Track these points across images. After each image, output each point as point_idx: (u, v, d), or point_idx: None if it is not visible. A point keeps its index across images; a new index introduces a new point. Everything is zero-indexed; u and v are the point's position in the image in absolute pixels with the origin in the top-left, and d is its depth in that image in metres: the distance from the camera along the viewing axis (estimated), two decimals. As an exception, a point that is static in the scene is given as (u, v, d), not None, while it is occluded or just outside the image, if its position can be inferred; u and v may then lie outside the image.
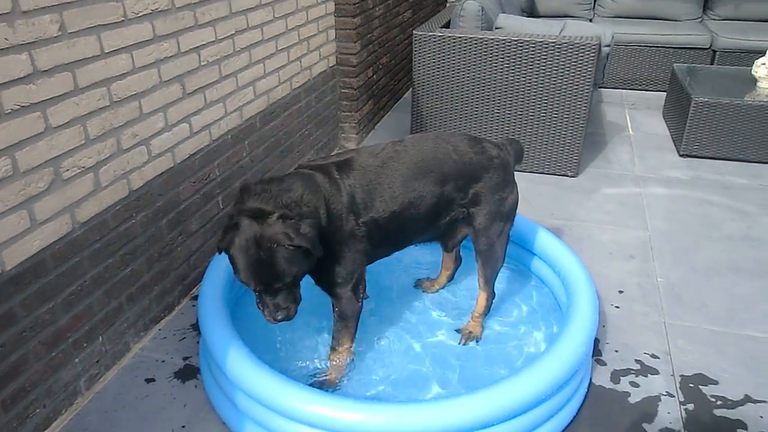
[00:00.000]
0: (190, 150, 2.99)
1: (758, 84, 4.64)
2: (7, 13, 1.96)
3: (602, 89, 6.13)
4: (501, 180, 2.53)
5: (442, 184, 2.42)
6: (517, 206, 2.64)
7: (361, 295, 2.43)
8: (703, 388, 2.44)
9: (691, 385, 2.47)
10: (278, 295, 2.12)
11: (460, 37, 4.18)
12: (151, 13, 2.62)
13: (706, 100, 4.39)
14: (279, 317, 2.14)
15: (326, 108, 4.59)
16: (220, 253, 2.14)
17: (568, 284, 2.64)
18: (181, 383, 2.53)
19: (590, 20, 6.52)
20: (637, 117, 5.49)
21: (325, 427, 2.03)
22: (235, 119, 3.36)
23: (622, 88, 6.18)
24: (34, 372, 2.22)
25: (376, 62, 5.17)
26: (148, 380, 2.55)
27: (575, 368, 2.19)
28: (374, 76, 5.20)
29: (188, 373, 2.59)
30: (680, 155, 4.61)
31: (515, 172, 2.66)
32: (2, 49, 1.96)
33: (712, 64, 5.88)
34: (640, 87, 6.14)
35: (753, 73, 4.66)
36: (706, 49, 5.87)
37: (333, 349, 2.47)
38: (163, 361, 2.66)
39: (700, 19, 6.38)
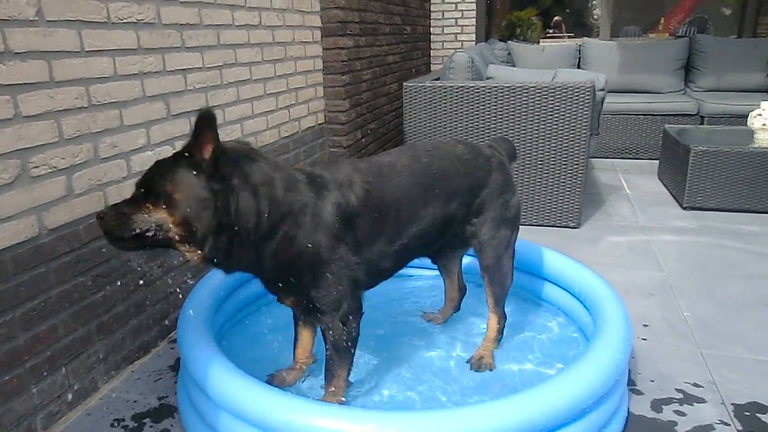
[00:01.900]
0: (174, 175, 2.75)
1: (755, 135, 4.56)
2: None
3: (594, 159, 6.05)
4: (502, 181, 2.31)
5: (448, 202, 2.18)
6: (520, 213, 2.41)
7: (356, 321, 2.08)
8: (762, 417, 2.13)
9: (747, 413, 2.16)
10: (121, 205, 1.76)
11: (451, 87, 4.08)
12: (136, 22, 2.48)
13: (705, 149, 4.27)
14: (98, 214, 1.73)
15: (315, 164, 4.40)
16: None
17: (591, 302, 2.37)
18: (154, 422, 2.17)
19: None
20: (632, 180, 5.38)
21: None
22: (222, 154, 3.14)
23: (614, 157, 6.10)
24: (-19, 396, 1.88)
25: (365, 125, 5.05)
26: (117, 420, 2.19)
27: (614, 376, 1.90)
28: (363, 140, 5.06)
29: (163, 412, 2.24)
30: (683, 208, 4.44)
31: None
32: (-33, 18, 1.76)
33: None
34: (631, 155, 6.07)
35: (749, 125, 4.61)
36: (694, 115, 5.86)
37: (326, 385, 2.13)
38: (135, 401, 2.31)
39: (683, 92, 6.42)
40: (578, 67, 6.81)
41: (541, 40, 8.35)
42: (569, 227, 4.10)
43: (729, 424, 2.10)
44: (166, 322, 2.77)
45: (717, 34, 7.24)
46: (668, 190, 4.92)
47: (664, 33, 8.48)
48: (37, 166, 2.03)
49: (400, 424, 1.69)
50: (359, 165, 2.08)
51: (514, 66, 6.67)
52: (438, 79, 4.48)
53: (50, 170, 2.09)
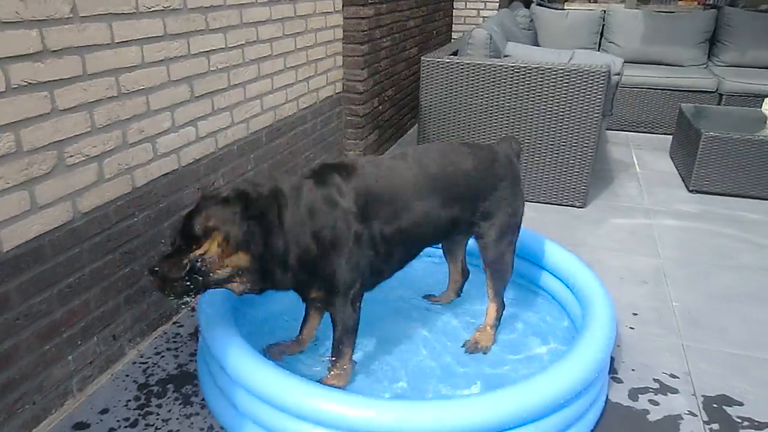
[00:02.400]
0: (196, 155, 2.93)
1: (768, 122, 4.63)
2: (17, -14, 1.92)
3: (608, 131, 6.12)
4: (510, 192, 2.47)
5: (450, 206, 2.35)
6: (523, 214, 2.56)
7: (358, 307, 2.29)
8: (728, 409, 2.32)
9: (714, 405, 2.34)
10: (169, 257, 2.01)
11: (468, 64, 4.17)
12: (163, 9, 2.60)
13: (716, 135, 4.35)
14: (146, 272, 2.08)
15: (332, 133, 4.55)
16: None
17: (581, 294, 2.54)
18: (176, 388, 2.41)
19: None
20: (643, 156, 5.46)
21: (332, 425, 1.90)
22: (242, 131, 3.30)
23: (629, 131, 6.17)
24: (26, 364, 2.10)
25: (382, 93, 5.16)
26: (141, 386, 2.43)
27: (596, 371, 2.09)
28: (380, 107, 5.18)
29: (183, 377, 2.47)
30: (689, 191, 4.55)
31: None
32: (13, 22, 1.91)
33: (719, 105, 5.89)
34: (646, 130, 6.13)
35: (763, 110, 4.65)
36: (713, 92, 5.89)
37: (333, 362, 2.34)
38: (158, 366, 2.53)
39: (705, 65, 6.42)
40: (601, 36, 6.81)
41: (566, 2, 8.28)
42: (575, 207, 4.23)
43: (696, 415, 2.29)
44: (187, 291, 2.98)
45: (749, 6, 7.12)
46: (677, 170, 5.01)
47: (694, 0, 8.34)
48: (71, 156, 2.21)
49: (397, 411, 1.90)
50: (369, 169, 2.24)
51: (536, 33, 6.68)
52: (456, 53, 4.56)
53: (83, 158, 2.26)
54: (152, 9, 2.54)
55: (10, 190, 1.97)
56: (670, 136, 5.56)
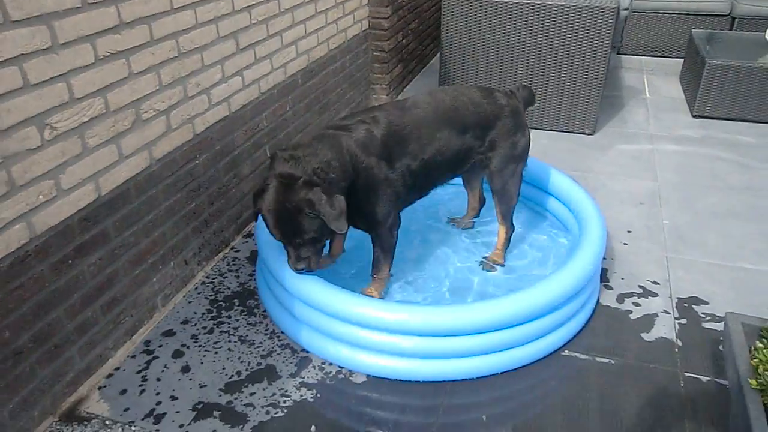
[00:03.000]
0: (243, 101, 3.34)
1: (770, 48, 4.89)
2: (100, -28, 2.30)
3: (622, 56, 6.37)
4: (513, 125, 2.86)
5: (463, 133, 2.76)
6: (528, 148, 2.96)
7: (396, 232, 2.76)
8: (696, 307, 2.80)
9: (685, 305, 2.82)
10: (301, 248, 2.44)
11: (487, 1, 4.47)
12: (211, -25, 2.96)
13: (719, 63, 4.65)
14: (299, 266, 2.47)
15: (359, 69, 4.91)
16: (255, 218, 2.50)
17: (579, 215, 2.98)
18: (240, 303, 2.91)
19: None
20: (654, 82, 5.74)
21: (371, 326, 2.40)
22: (280, 75, 3.69)
23: (642, 55, 6.42)
24: (123, 285, 2.61)
25: (405, 27, 5.47)
26: (212, 301, 2.93)
27: (584, 281, 2.54)
28: (404, 41, 5.50)
29: (246, 294, 2.97)
30: (693, 116, 4.88)
31: (530, 119, 2.97)
32: (95, 3, 2.30)
33: (731, 30, 6.09)
34: (659, 53, 6.38)
35: (766, 37, 4.90)
36: (726, 15, 6.08)
37: (373, 276, 2.82)
38: (223, 285, 3.04)
39: (719, -13, 6.56)
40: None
41: None
42: (585, 134, 4.60)
43: (669, 313, 2.78)
44: (240, 221, 3.46)
45: None
46: (684, 95, 5.31)
47: None
48: (146, 112, 2.64)
49: (426, 314, 2.39)
50: (390, 108, 2.72)
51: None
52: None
53: (155, 113, 2.69)
54: (202, -24, 2.90)
55: (102, 145, 2.41)
56: (682, 60, 5.81)
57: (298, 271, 2.49)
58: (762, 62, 4.63)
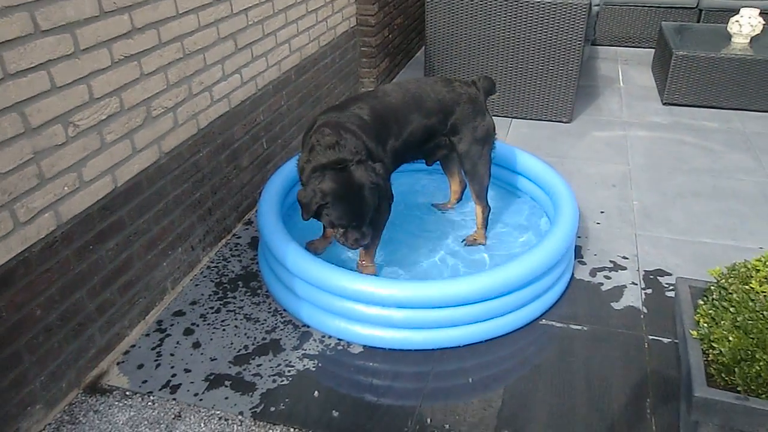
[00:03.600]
0: (242, 97, 3.57)
1: (732, 39, 5.17)
2: (115, -17, 2.53)
3: (598, 46, 6.65)
4: (472, 111, 3.13)
5: (428, 117, 3.05)
6: (492, 132, 3.21)
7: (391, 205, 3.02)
8: (660, 278, 3.08)
9: (651, 276, 3.10)
10: (361, 227, 2.70)
11: (466, -1, 4.72)
12: (211, -19, 3.18)
13: (685, 53, 4.93)
14: (358, 244, 2.74)
15: (348, 64, 5.15)
16: (307, 216, 2.68)
17: (553, 195, 3.25)
18: (244, 284, 3.16)
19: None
20: (628, 71, 6.02)
21: (366, 300, 2.65)
22: (275, 72, 3.93)
23: (617, 46, 6.70)
24: (137, 269, 2.84)
25: (391, 23, 5.71)
26: (217, 283, 3.17)
27: (556, 257, 2.80)
28: (390, 36, 5.74)
29: (249, 276, 3.22)
30: (663, 104, 5.17)
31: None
32: (111, 11, 2.52)
33: (698, 21, 6.38)
34: (633, 44, 6.66)
35: (728, 29, 5.19)
36: (694, 8, 6.36)
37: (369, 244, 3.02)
38: (227, 269, 3.28)
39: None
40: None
41: None
42: (562, 122, 4.87)
43: (636, 284, 3.06)
44: (240, 209, 3.70)
45: None
46: (655, 83, 5.60)
47: None
48: (155, 109, 2.87)
49: (414, 288, 2.64)
50: (366, 97, 3.00)
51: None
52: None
53: (163, 110, 2.92)
54: (203, -18, 3.13)
55: (118, 140, 2.64)
56: (654, 51, 6.09)
57: (359, 246, 2.77)
58: (724, 53, 4.92)
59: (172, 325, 2.90)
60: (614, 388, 2.48)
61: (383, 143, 2.90)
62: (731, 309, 1.86)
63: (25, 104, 2.12)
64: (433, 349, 2.72)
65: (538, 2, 4.52)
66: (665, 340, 2.71)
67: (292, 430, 2.35)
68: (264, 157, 3.88)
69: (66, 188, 2.37)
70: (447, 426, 2.34)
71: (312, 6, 4.33)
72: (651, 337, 2.74)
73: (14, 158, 2.11)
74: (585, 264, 3.21)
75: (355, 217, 2.67)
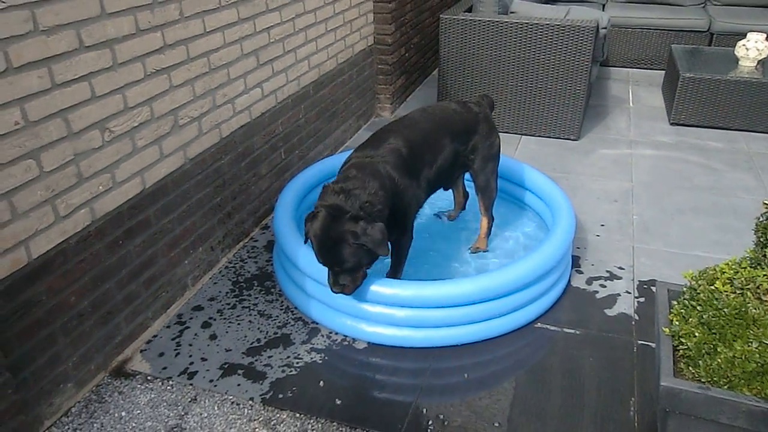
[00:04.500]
0: (262, 109, 3.81)
1: (739, 63, 5.33)
2: (149, 4, 2.77)
3: (610, 68, 6.84)
4: (488, 130, 3.32)
5: (453, 139, 3.20)
6: (500, 148, 3.42)
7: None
8: (653, 288, 3.23)
9: (645, 286, 3.26)
10: (340, 275, 2.70)
11: (479, 21, 4.94)
12: (237, 0, 3.43)
13: (692, 75, 5.10)
14: (336, 291, 2.74)
15: (365, 81, 5.39)
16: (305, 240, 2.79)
17: (553, 207, 3.43)
18: (259, 284, 3.37)
19: (603, 5, 7.20)
20: (638, 92, 6.20)
21: (371, 300, 2.86)
22: (294, 87, 4.17)
23: (629, 67, 6.88)
24: (161, 265, 3.07)
25: (408, 42, 5.94)
26: (234, 282, 3.39)
27: (551, 264, 2.98)
28: (406, 54, 5.97)
29: (263, 276, 3.43)
30: (670, 124, 5.33)
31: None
32: (146, 29, 2.77)
33: (710, 45, 6.54)
34: (644, 66, 6.84)
35: (735, 53, 5.35)
36: (705, 32, 6.53)
37: (396, 269, 3.18)
38: (244, 269, 3.50)
39: (702, 5, 7.02)
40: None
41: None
42: (570, 140, 5.05)
43: (630, 293, 3.22)
44: (258, 214, 3.93)
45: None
46: (664, 104, 5.76)
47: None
48: (182, 118, 3.11)
49: (416, 289, 2.84)
50: (398, 128, 3.09)
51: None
52: (470, 9, 5.32)
53: (189, 119, 3.16)
54: (230, 2, 3.36)
55: (147, 146, 2.88)
56: (664, 72, 6.26)
57: (335, 293, 2.76)
58: (731, 75, 5.08)
59: (191, 318, 3.12)
60: (603, 388, 2.65)
61: (418, 176, 2.99)
62: (698, 307, 2.03)
63: (69, 111, 2.38)
64: (432, 348, 2.90)
65: (548, 24, 4.73)
66: (652, 345, 2.87)
67: (298, 415, 2.54)
68: (282, 167, 4.11)
69: (101, 187, 2.61)
70: (441, 416, 2.52)
71: (331, 25, 4.57)
72: (640, 342, 2.90)
73: (58, 158, 2.36)
74: (582, 273, 3.38)
75: (331, 263, 2.68)
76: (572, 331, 2.99)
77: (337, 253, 2.63)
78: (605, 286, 3.27)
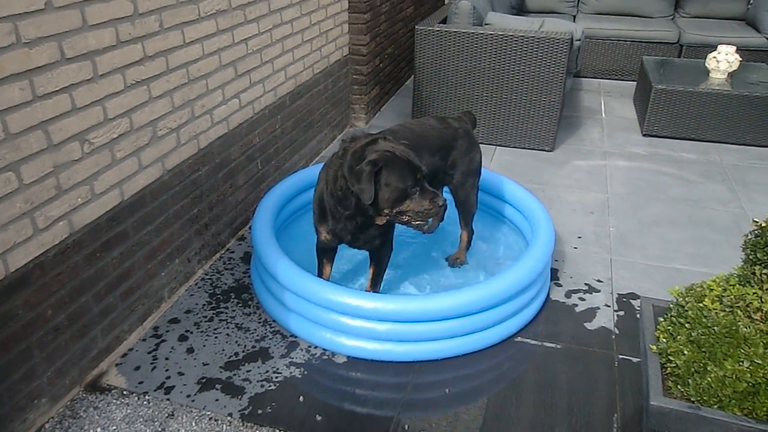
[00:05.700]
0: (239, 120, 3.78)
1: (710, 74, 5.44)
2: (130, 15, 2.73)
3: (582, 78, 6.93)
4: (467, 145, 3.34)
5: (433, 155, 3.22)
6: (481, 163, 3.44)
7: None
8: (633, 301, 3.28)
9: (624, 299, 3.30)
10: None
11: (454, 32, 4.97)
12: (215, 12, 3.40)
13: (664, 87, 5.19)
14: (441, 201, 2.76)
15: (340, 91, 5.38)
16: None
17: (532, 219, 3.46)
18: (236, 296, 3.34)
19: (574, 17, 7.30)
20: (610, 103, 6.29)
21: (351, 313, 2.84)
22: (271, 97, 4.14)
23: (601, 78, 6.98)
24: (138, 277, 3.02)
25: (382, 52, 5.95)
26: (211, 294, 3.35)
27: (530, 280, 3.00)
28: (381, 65, 5.98)
29: (240, 288, 3.40)
30: (643, 135, 5.42)
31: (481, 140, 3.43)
32: (127, 41, 2.73)
33: (679, 56, 6.67)
34: (616, 77, 6.94)
35: (706, 65, 5.46)
36: (675, 43, 6.66)
37: (375, 282, 3.18)
38: (220, 281, 3.46)
39: (671, 17, 7.16)
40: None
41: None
42: (545, 150, 5.10)
43: (609, 306, 3.25)
44: (234, 225, 3.89)
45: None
46: (636, 115, 5.85)
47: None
48: (160, 129, 3.06)
49: (397, 303, 2.84)
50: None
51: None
52: (445, 21, 5.35)
53: (168, 130, 3.12)
54: (209, 13, 3.33)
55: (126, 157, 2.84)
56: (635, 83, 6.36)
57: (441, 204, 2.77)
58: (702, 87, 5.18)
59: (167, 331, 3.07)
60: (584, 404, 2.67)
61: None
62: (687, 325, 2.05)
63: (49, 123, 2.34)
64: (413, 362, 2.90)
65: (522, 36, 4.77)
66: (634, 360, 2.90)
67: (277, 431, 2.51)
68: (258, 177, 4.07)
69: (79, 199, 2.56)
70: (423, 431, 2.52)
71: (307, 36, 4.56)
72: (621, 356, 2.93)
73: (37, 171, 2.31)
74: (561, 286, 3.41)
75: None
76: (553, 345, 3.01)
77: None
78: (584, 299, 3.30)
